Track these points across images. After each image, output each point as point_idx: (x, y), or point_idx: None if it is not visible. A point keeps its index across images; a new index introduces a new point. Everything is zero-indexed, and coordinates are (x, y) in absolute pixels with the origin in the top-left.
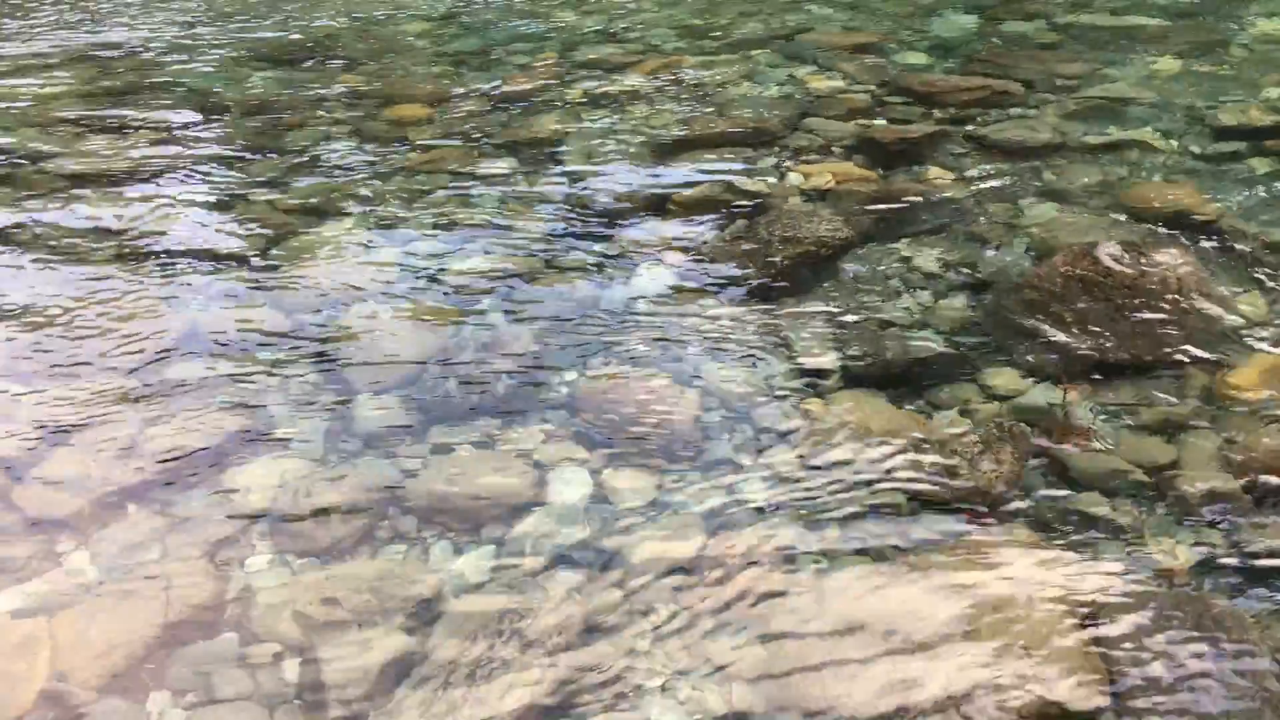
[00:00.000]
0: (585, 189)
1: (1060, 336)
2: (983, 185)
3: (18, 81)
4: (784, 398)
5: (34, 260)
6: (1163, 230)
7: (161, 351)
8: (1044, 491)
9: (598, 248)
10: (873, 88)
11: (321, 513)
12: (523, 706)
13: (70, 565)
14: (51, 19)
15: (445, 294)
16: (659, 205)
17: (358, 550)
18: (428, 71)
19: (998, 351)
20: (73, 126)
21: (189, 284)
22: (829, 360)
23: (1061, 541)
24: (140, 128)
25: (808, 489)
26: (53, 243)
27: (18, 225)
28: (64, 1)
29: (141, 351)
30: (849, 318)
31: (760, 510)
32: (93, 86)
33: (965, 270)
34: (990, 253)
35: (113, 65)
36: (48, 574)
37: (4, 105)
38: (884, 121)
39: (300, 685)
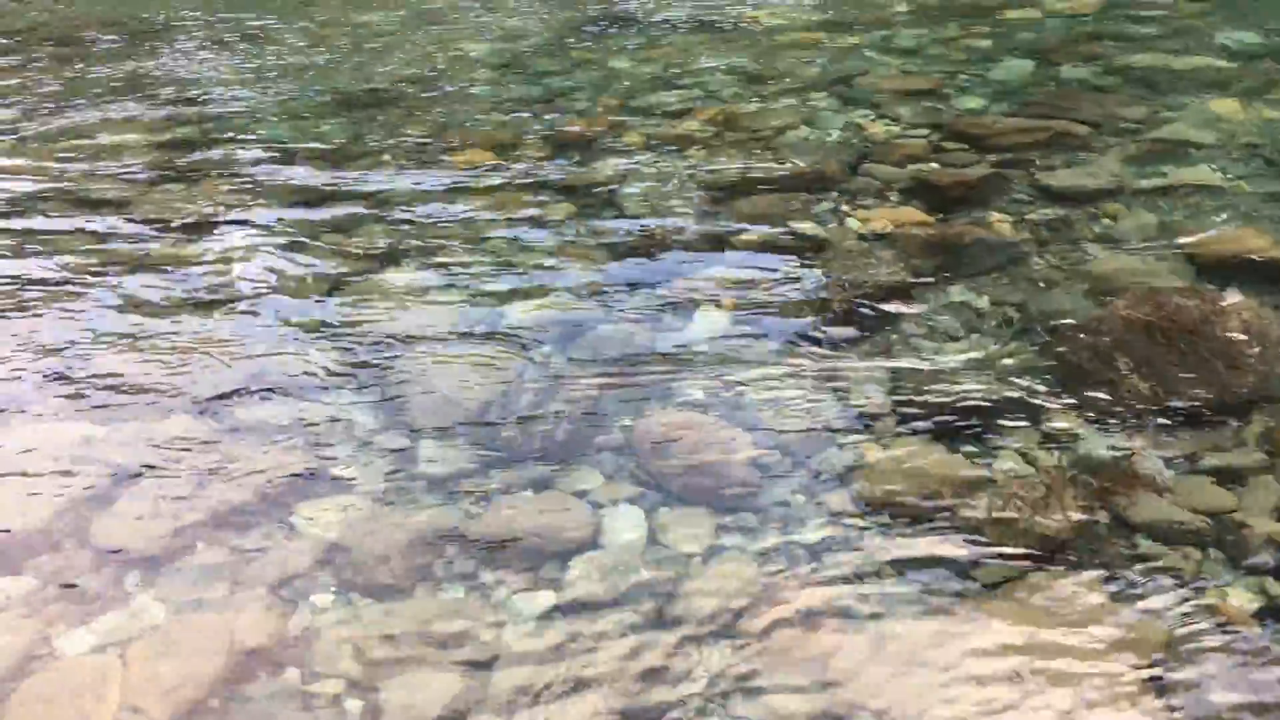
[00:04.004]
0: (643, 233)
1: (1121, 382)
2: (1042, 229)
3: (94, 128)
4: (841, 442)
5: (108, 304)
6: (1225, 274)
7: (230, 392)
8: (1105, 538)
9: (656, 291)
10: (930, 132)
11: (383, 552)
12: None
13: (140, 601)
14: (128, 68)
15: (506, 337)
16: (717, 249)
17: (418, 589)
18: (490, 118)
19: (1058, 397)
20: (147, 173)
21: (257, 327)
22: (887, 404)
23: (1123, 588)
24: (211, 175)
25: (865, 534)
26: (126, 287)
27: (93, 270)
28: (141, 52)
29: (211, 392)
30: (907, 362)
31: (817, 554)
32: (166, 135)
33: (1024, 314)
34: (1050, 297)
35: (186, 113)
36: (118, 609)
37: (81, 153)
38: (941, 166)
39: None
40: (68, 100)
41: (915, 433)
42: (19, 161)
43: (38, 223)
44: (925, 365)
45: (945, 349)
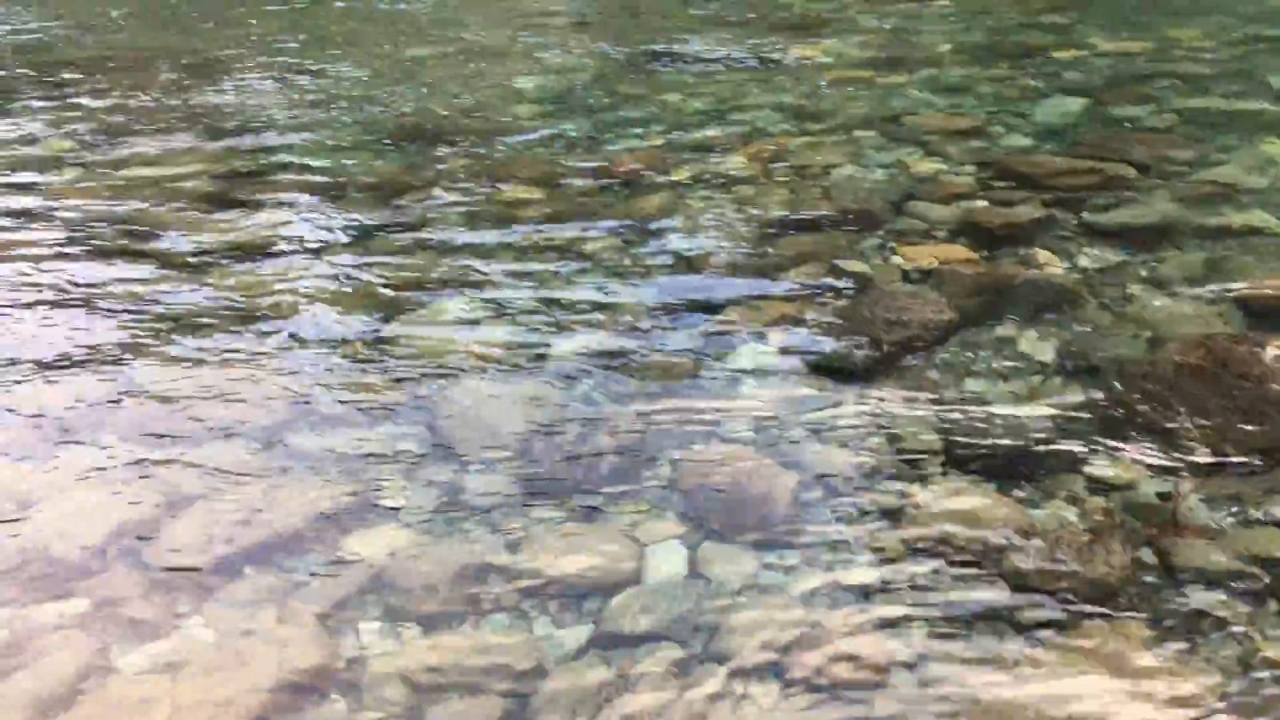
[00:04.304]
0: (690, 268)
1: (1171, 426)
2: (1091, 270)
3: (153, 157)
4: (886, 481)
5: (162, 330)
6: (1278, 320)
7: (281, 420)
8: (1154, 585)
9: (701, 326)
10: (977, 170)
11: (429, 581)
12: None
13: (191, 624)
14: (187, 99)
15: (551, 369)
16: (763, 285)
17: (462, 620)
18: (538, 152)
19: (1106, 440)
20: (203, 203)
21: (308, 355)
22: (933, 444)
23: (1171, 636)
24: (266, 205)
25: (910, 575)
26: (179, 315)
27: (147, 299)
28: (200, 83)
29: (263, 419)
30: (953, 401)
31: (862, 595)
32: (223, 165)
33: (1073, 356)
34: (1099, 339)
35: (242, 144)
36: (170, 632)
37: (140, 181)
38: (988, 204)
39: None
40: (128, 129)
41: (962, 474)
42: (81, 189)
43: (96, 249)
44: (972, 406)
45: (992, 390)
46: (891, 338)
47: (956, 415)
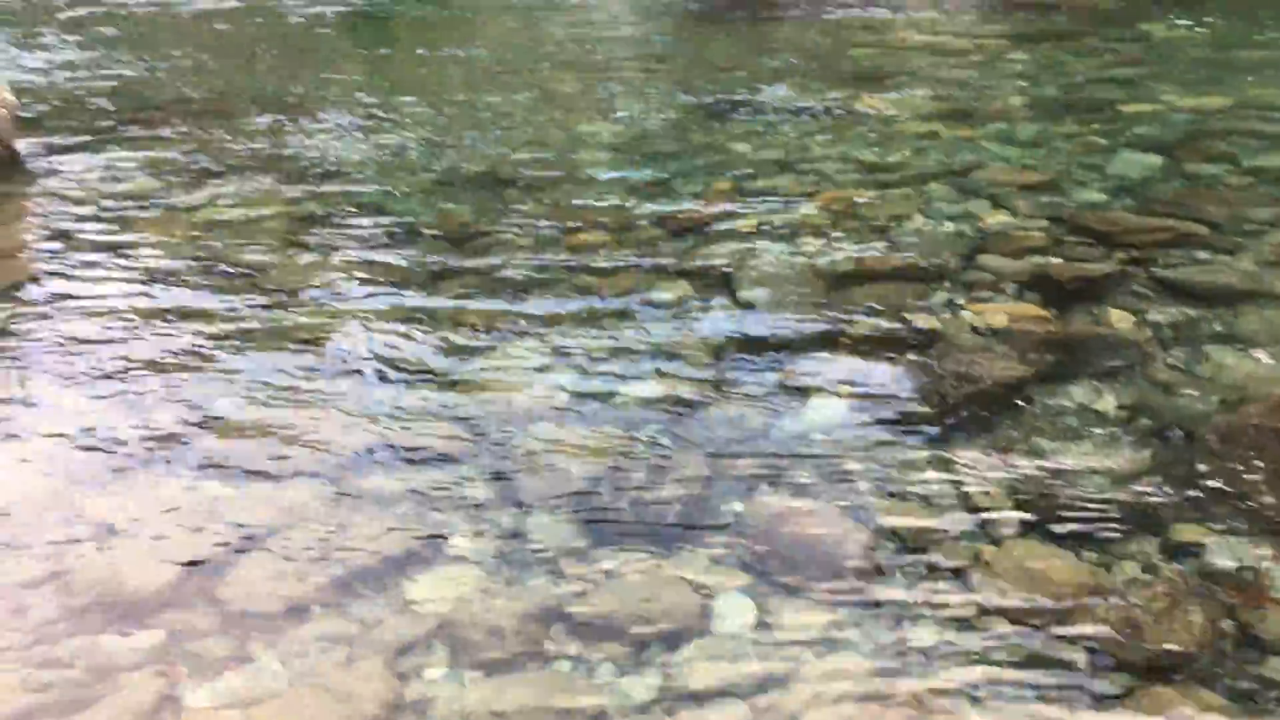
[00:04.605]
0: (757, 318)
1: (1250, 491)
2: (1166, 329)
3: (232, 199)
4: (956, 540)
5: (235, 369)
6: None
7: (349, 461)
8: (1233, 655)
9: (768, 377)
10: (1048, 225)
11: (494, 626)
12: None
13: (261, 662)
14: (265, 143)
15: (618, 416)
16: (830, 337)
17: (527, 665)
18: (608, 199)
19: (1182, 504)
20: (280, 244)
21: (376, 397)
22: (1003, 503)
23: (1249, 707)
24: (340, 247)
25: (980, 636)
26: (253, 353)
27: (222, 337)
28: (278, 126)
29: (331, 459)
30: (1024, 460)
31: (930, 654)
32: (299, 208)
33: (1147, 417)
34: (1174, 400)
35: (319, 189)
36: (240, 669)
37: (218, 224)
38: (1060, 260)
39: None
40: (211, 170)
41: (1033, 534)
42: (164, 227)
43: (174, 289)
44: (1044, 465)
45: (1064, 449)
46: (961, 393)
47: (1027, 473)
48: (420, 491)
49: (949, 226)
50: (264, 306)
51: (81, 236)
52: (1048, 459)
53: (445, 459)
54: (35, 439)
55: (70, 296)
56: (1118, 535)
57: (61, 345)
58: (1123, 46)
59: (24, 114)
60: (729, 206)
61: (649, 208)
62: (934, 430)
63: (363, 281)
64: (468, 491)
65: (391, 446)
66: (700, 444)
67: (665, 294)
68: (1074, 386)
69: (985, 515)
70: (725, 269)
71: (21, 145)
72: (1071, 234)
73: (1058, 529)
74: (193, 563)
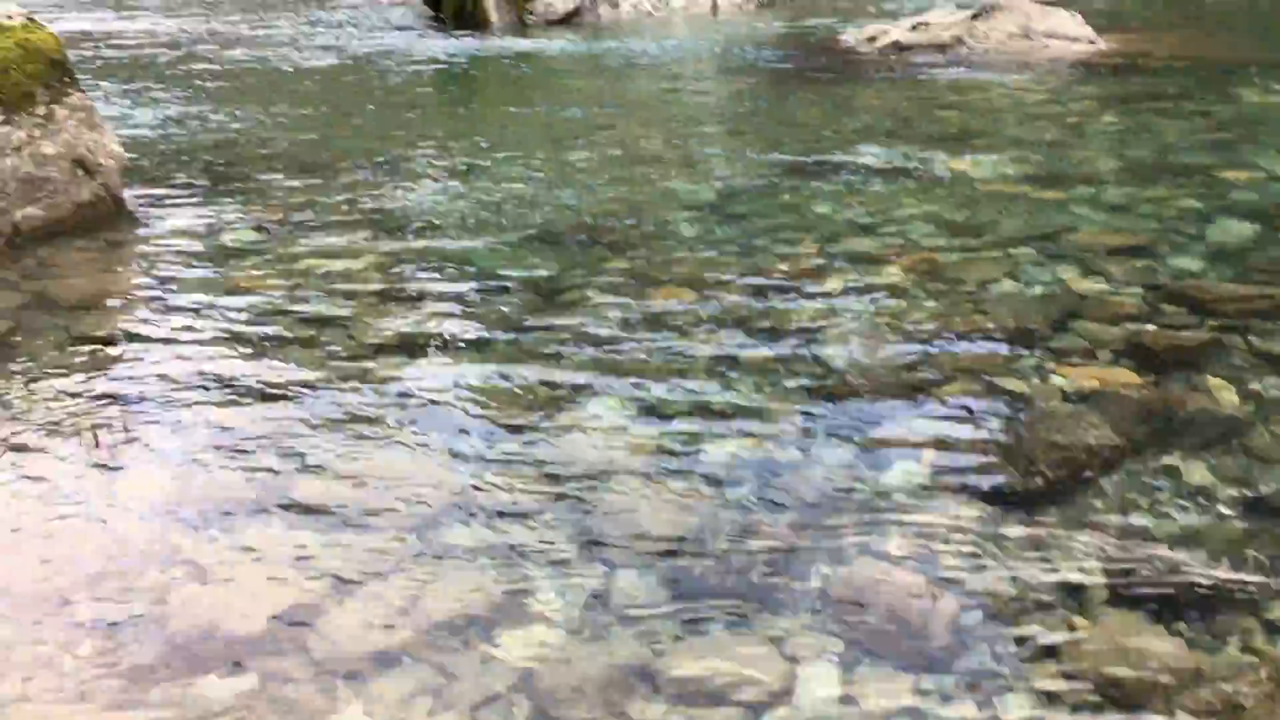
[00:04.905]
0: (842, 379)
1: None
2: (1266, 399)
3: (326, 251)
4: (1047, 612)
5: (325, 418)
6: None
7: (435, 513)
8: None
9: (853, 438)
10: (1142, 292)
11: (577, 684)
12: None
13: (350, 713)
14: (361, 197)
15: (701, 474)
16: (917, 400)
17: None
18: (691, 256)
19: None
20: (371, 297)
21: (461, 450)
22: (1096, 575)
23: None
24: (429, 299)
25: (1071, 714)
26: (343, 404)
27: (314, 385)
28: (373, 181)
29: (417, 511)
30: (1117, 532)
31: None
32: (390, 261)
33: (1245, 490)
34: (1274, 472)
35: (411, 243)
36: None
37: (312, 274)
38: (1154, 326)
39: None
40: (307, 224)
41: (1127, 610)
42: (260, 279)
43: (268, 338)
44: (1138, 537)
45: (1159, 522)
46: (1052, 462)
47: (1121, 546)
48: (505, 545)
49: (1038, 290)
50: (354, 357)
51: (182, 284)
52: (1142, 531)
53: (530, 513)
54: (137, 481)
55: (169, 343)
56: (1215, 614)
57: (161, 391)
58: (1217, 111)
59: (131, 165)
60: (814, 265)
61: (732, 267)
62: (1023, 497)
63: (451, 334)
64: (552, 546)
65: (477, 499)
66: (785, 504)
67: (750, 352)
68: (1169, 457)
69: (1077, 587)
70: (810, 328)
71: (128, 195)
72: (1166, 301)
73: (1153, 604)
74: (285, 609)
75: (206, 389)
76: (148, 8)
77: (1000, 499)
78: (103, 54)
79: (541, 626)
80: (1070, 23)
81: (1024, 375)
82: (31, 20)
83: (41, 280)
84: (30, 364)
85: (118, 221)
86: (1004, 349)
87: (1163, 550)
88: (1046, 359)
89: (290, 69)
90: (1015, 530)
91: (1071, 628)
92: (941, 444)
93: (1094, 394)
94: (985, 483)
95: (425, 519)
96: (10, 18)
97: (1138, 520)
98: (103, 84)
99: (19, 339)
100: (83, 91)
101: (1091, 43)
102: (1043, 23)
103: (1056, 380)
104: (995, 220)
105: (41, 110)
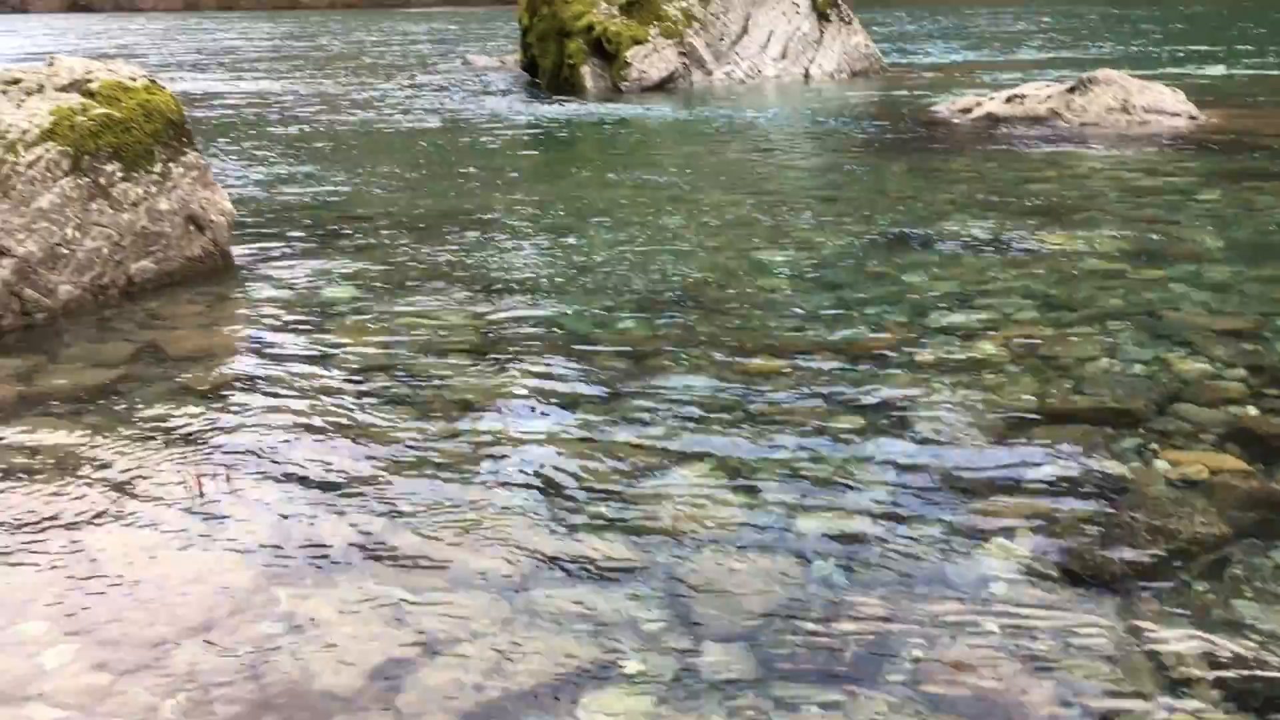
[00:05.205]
0: (934, 457)
1: None
2: None
3: (424, 311)
4: (1148, 704)
5: (417, 473)
6: None
7: (523, 574)
8: None
9: (946, 519)
10: (1248, 375)
11: None
12: None
13: None
14: (456, 257)
15: (791, 547)
16: (1011, 480)
17: None
18: (782, 325)
19: None
20: (464, 356)
21: (550, 512)
22: (1202, 672)
23: None
24: (519, 360)
25: None
26: (435, 462)
27: (406, 443)
28: (469, 241)
29: (505, 571)
30: (1222, 624)
31: None
32: (485, 321)
33: None
34: None
35: (505, 303)
36: None
37: (409, 332)
38: (1261, 412)
39: None
40: (404, 282)
41: (1234, 707)
42: (356, 335)
43: (364, 395)
44: (1246, 631)
45: (1267, 615)
46: (1154, 548)
47: (1226, 639)
48: (593, 610)
49: (1139, 370)
50: (448, 415)
51: (283, 340)
52: (1250, 625)
53: (617, 579)
54: (238, 530)
55: (271, 394)
56: None
57: (262, 441)
58: None
59: (240, 222)
60: (905, 338)
61: (825, 337)
62: (1124, 587)
63: (541, 396)
64: (640, 613)
65: (566, 562)
66: (874, 583)
67: (840, 425)
68: (1277, 551)
69: (1180, 684)
70: (901, 403)
71: (236, 251)
72: (1273, 385)
73: (1259, 700)
74: (376, 667)
75: (306, 441)
76: (259, 71)
77: (1098, 586)
78: (216, 113)
79: (627, 693)
80: (1170, 97)
81: (1124, 458)
82: (153, 82)
83: (152, 331)
84: (138, 412)
85: (225, 276)
86: (1103, 430)
87: (1273, 645)
88: (1148, 441)
89: (393, 130)
90: (1114, 620)
91: None
92: (1038, 525)
93: (1200, 480)
94: (1082, 569)
95: (516, 579)
96: (134, 79)
97: (1246, 613)
98: (215, 143)
99: (129, 387)
100: (198, 151)
101: (1193, 118)
102: (1142, 97)
103: (1159, 464)
104: (1092, 297)
105: (159, 168)
